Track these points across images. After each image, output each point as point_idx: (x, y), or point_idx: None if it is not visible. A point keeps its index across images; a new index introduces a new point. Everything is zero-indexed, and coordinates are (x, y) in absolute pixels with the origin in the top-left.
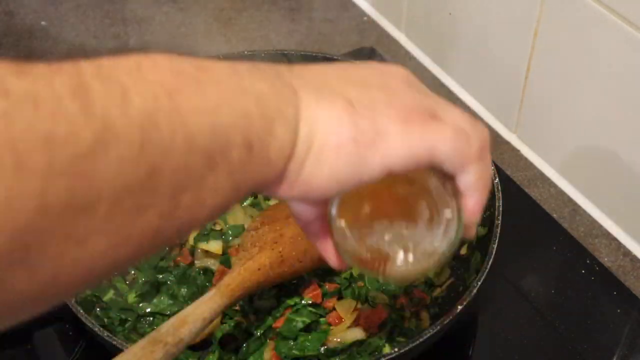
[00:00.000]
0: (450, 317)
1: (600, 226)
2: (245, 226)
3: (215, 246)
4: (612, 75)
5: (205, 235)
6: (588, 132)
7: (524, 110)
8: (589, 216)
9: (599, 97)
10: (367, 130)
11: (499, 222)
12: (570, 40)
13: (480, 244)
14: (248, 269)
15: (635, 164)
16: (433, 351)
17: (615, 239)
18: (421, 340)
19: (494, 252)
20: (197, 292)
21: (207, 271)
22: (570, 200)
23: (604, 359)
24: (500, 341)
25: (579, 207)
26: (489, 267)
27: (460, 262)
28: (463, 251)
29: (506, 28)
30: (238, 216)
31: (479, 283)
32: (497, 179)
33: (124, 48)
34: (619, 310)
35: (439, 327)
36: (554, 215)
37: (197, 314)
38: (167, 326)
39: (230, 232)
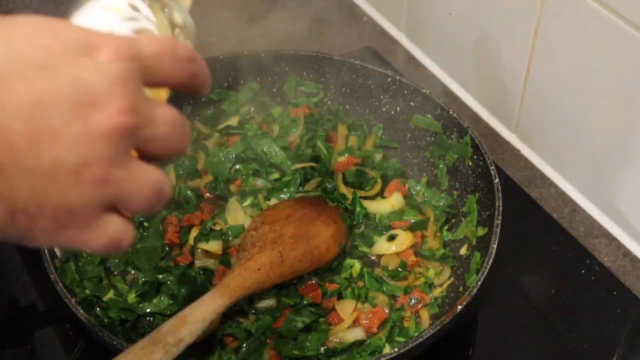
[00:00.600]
0: (451, 317)
1: (600, 226)
2: (245, 226)
3: (215, 246)
4: (612, 75)
5: (205, 236)
6: (588, 132)
7: (524, 110)
8: (589, 216)
9: (599, 97)
10: None
11: (499, 222)
12: (570, 40)
13: (480, 244)
14: (248, 269)
15: (636, 164)
16: (433, 351)
17: (615, 239)
18: (421, 340)
19: (494, 252)
20: (197, 292)
21: (207, 271)
22: (570, 200)
23: (604, 359)
24: (500, 341)
25: (579, 207)
26: (489, 267)
27: (460, 262)
28: (463, 251)
29: (506, 28)
30: (238, 216)
31: (479, 283)
32: (497, 179)
33: None
34: (619, 310)
35: (438, 327)
36: (554, 215)
37: (197, 314)
38: (167, 326)
39: (230, 232)
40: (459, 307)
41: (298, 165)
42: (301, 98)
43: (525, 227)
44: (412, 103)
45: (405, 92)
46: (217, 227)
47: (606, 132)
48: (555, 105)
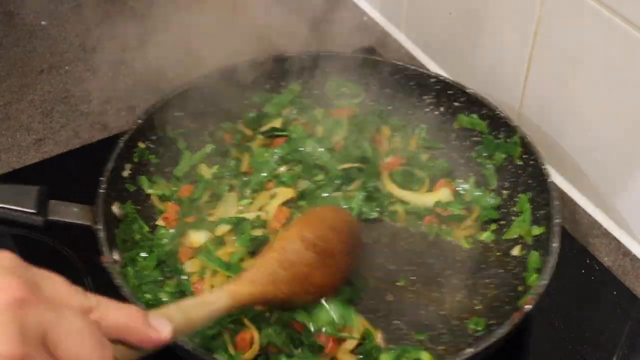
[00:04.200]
0: (521, 317)
1: (600, 226)
2: (233, 219)
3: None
4: (612, 75)
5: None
6: (588, 131)
7: (524, 110)
8: (589, 216)
9: (599, 96)
10: None
11: (558, 220)
12: (571, 40)
13: (537, 243)
14: (265, 292)
15: (636, 164)
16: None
17: (615, 239)
18: (491, 342)
19: (558, 251)
20: None
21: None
22: (570, 200)
23: (604, 359)
24: (500, 341)
25: (579, 207)
26: (554, 265)
27: (515, 263)
28: (515, 252)
29: (506, 28)
30: (229, 209)
31: (544, 282)
32: (550, 178)
33: (124, 48)
34: (619, 310)
35: (509, 328)
36: None
37: (197, 311)
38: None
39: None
40: (527, 307)
41: (344, 166)
42: (343, 100)
43: None
44: (456, 103)
45: (449, 92)
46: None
47: (606, 132)
48: (555, 105)
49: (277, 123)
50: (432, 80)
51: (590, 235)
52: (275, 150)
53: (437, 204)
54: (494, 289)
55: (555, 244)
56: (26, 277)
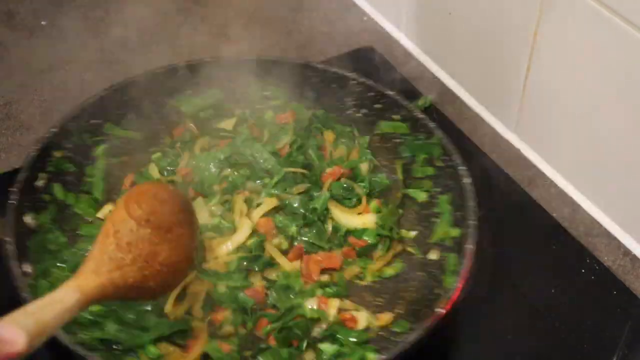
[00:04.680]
0: (433, 321)
1: (600, 226)
2: (208, 225)
3: None
4: (612, 75)
5: None
6: (588, 131)
7: (524, 110)
8: (589, 216)
9: (599, 96)
10: None
11: (474, 222)
12: (570, 40)
13: (455, 246)
14: (113, 279)
15: (635, 164)
16: (433, 352)
17: (615, 239)
18: (405, 344)
19: (471, 253)
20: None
21: None
22: (570, 200)
23: (604, 359)
24: (500, 341)
25: (579, 207)
26: (466, 267)
27: (434, 265)
28: (433, 256)
29: (506, 28)
30: (202, 216)
31: (456, 285)
32: (466, 179)
33: (124, 48)
34: (619, 310)
35: (421, 332)
36: (554, 215)
37: (48, 313)
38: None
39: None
40: (441, 311)
41: (289, 169)
42: (265, 103)
43: (525, 227)
44: (376, 105)
45: (370, 94)
46: None
47: (606, 132)
48: (555, 105)
49: (229, 124)
50: (352, 82)
51: (590, 235)
52: (218, 153)
53: (354, 232)
54: (413, 292)
55: (470, 246)
56: None
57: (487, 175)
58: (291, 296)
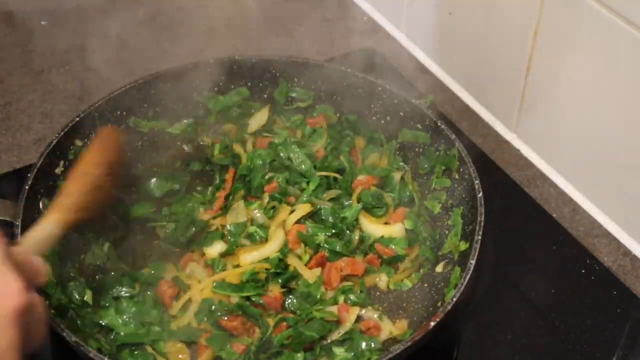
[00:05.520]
0: (422, 334)
1: (600, 226)
2: (243, 233)
3: (219, 248)
4: (612, 75)
5: (207, 238)
6: (588, 131)
7: (524, 110)
8: (589, 216)
9: (599, 96)
10: None
11: (479, 237)
12: (570, 40)
13: (461, 259)
14: (79, 214)
15: (635, 164)
16: (433, 352)
17: (615, 239)
18: (392, 355)
19: (472, 269)
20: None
21: None
22: (570, 200)
23: (604, 359)
24: (500, 341)
25: (579, 207)
26: (465, 282)
27: (440, 278)
28: (439, 269)
29: (506, 28)
30: (240, 216)
31: (454, 299)
32: (480, 193)
33: (125, 48)
34: (619, 310)
35: (409, 344)
36: (554, 215)
37: (40, 241)
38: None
39: (233, 231)
40: (432, 324)
41: (322, 173)
42: (291, 104)
43: (525, 227)
44: (401, 113)
45: (395, 101)
46: (213, 228)
47: (606, 132)
48: (555, 105)
49: (259, 120)
50: (379, 89)
51: (590, 235)
52: (263, 156)
53: (381, 240)
54: (415, 303)
55: (473, 261)
56: (18, 275)
57: (487, 176)
58: (310, 304)
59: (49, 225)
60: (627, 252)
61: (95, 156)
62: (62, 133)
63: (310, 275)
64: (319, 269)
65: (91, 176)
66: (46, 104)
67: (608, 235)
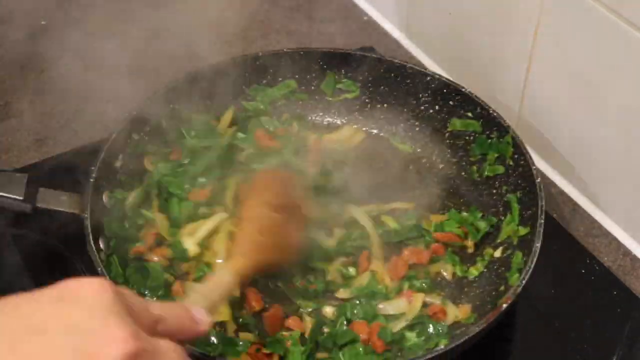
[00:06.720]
0: (496, 316)
1: (600, 226)
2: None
3: None
4: (613, 75)
5: None
6: (588, 132)
7: (524, 110)
8: (589, 216)
9: (599, 96)
10: None
11: (542, 221)
12: (571, 41)
13: (521, 244)
14: (257, 260)
15: (635, 164)
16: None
17: (615, 239)
18: (466, 338)
19: (537, 251)
20: None
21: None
22: (570, 200)
23: (604, 359)
24: (500, 341)
25: (579, 207)
26: (532, 265)
27: (499, 263)
28: (497, 254)
29: (506, 28)
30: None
31: (523, 282)
32: (539, 179)
33: (125, 49)
34: (619, 310)
35: (484, 325)
36: (554, 215)
37: (214, 294)
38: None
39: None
40: (504, 306)
41: None
42: (337, 95)
43: None
44: (451, 102)
45: (445, 90)
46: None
47: (606, 132)
48: (556, 106)
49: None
50: (428, 78)
51: (590, 235)
52: None
53: (435, 226)
54: (476, 288)
55: (538, 244)
56: (128, 321)
57: None
58: (375, 302)
59: (224, 273)
60: (627, 252)
61: (255, 199)
62: (121, 127)
63: (362, 280)
64: (368, 271)
65: (258, 220)
66: (46, 104)
67: (608, 235)
